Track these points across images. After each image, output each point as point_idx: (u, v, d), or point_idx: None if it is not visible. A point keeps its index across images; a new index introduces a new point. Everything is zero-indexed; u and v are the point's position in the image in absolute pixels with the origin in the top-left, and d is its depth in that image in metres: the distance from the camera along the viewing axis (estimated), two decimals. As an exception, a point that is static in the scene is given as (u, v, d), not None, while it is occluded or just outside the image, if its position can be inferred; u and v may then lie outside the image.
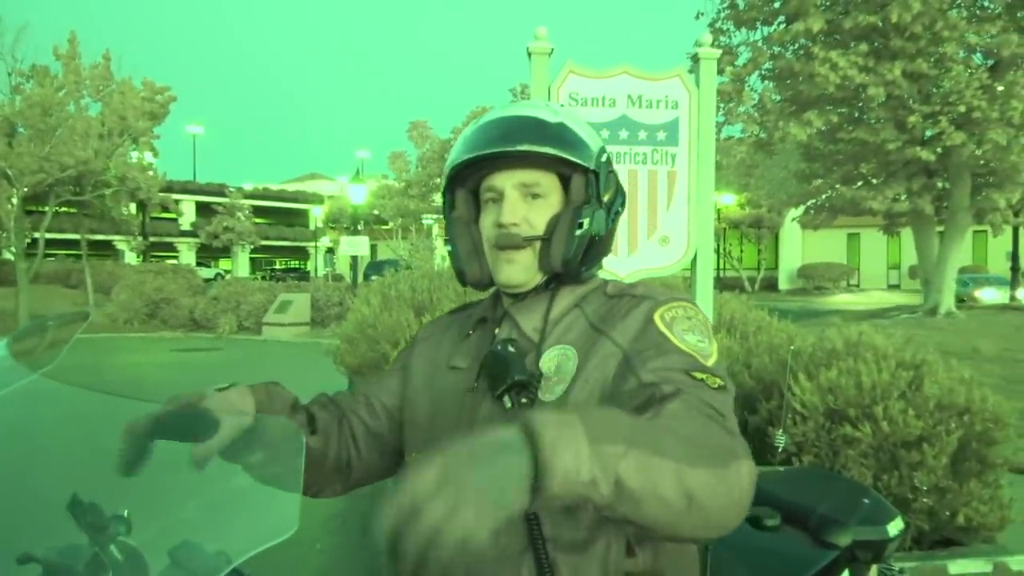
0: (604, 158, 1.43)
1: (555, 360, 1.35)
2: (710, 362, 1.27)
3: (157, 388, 11.76)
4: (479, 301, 1.59)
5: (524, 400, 1.30)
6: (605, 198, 1.42)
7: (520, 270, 1.40)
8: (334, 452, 1.47)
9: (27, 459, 1.26)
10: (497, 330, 1.46)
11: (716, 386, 1.23)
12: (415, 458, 1.45)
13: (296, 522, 1.17)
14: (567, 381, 1.32)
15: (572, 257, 1.37)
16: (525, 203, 1.39)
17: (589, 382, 1.30)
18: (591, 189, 1.39)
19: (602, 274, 1.52)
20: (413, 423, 1.50)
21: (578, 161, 1.37)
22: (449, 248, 1.49)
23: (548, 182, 1.39)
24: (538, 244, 1.39)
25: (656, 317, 1.32)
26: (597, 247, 1.42)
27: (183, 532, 1.20)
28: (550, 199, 1.39)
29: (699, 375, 1.23)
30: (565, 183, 1.40)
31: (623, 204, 1.49)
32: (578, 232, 1.37)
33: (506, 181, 1.38)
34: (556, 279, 1.42)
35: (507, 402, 1.31)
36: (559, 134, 1.37)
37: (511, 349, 1.34)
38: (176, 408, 1.11)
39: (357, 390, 1.61)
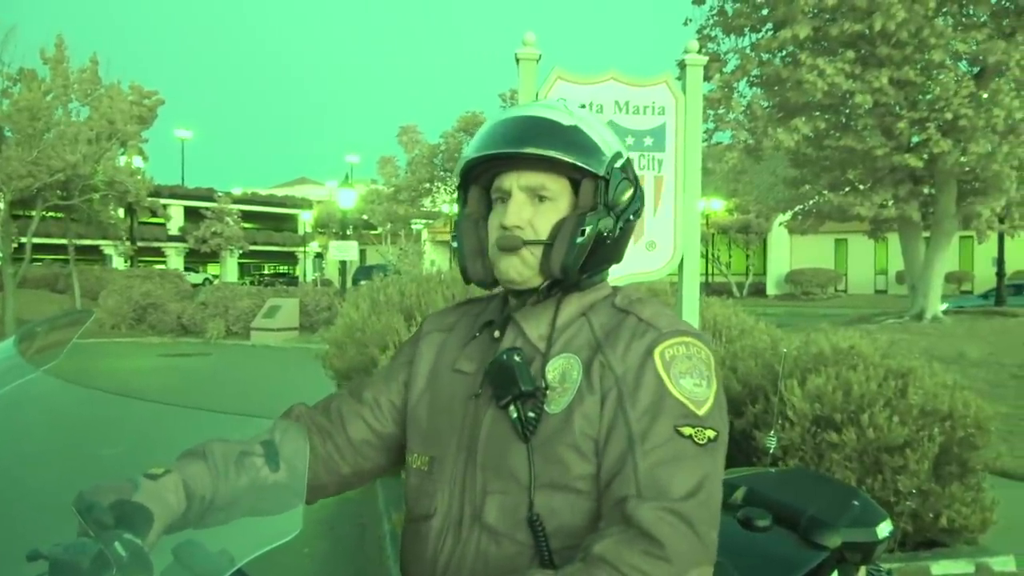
0: (619, 164, 1.41)
1: (560, 369, 1.36)
2: (704, 409, 1.29)
3: (147, 394, 11.72)
4: (485, 298, 1.59)
5: (531, 413, 1.32)
6: (618, 205, 1.40)
7: (520, 267, 1.38)
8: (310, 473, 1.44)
9: (33, 455, 1.28)
10: (496, 334, 1.46)
11: (704, 441, 1.27)
12: (415, 458, 1.47)
13: (300, 524, 1.19)
14: (572, 391, 1.33)
15: (572, 264, 1.36)
16: (532, 206, 1.38)
17: (591, 396, 1.32)
18: (600, 195, 1.38)
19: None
20: (413, 421, 1.51)
21: (585, 167, 1.36)
22: (455, 245, 1.49)
23: (557, 186, 1.38)
24: (540, 248, 1.38)
25: (656, 354, 1.32)
26: (602, 254, 1.40)
27: (187, 531, 1.22)
28: (558, 203, 1.39)
29: (687, 430, 1.26)
30: (576, 187, 1.39)
31: (637, 212, 1.46)
32: (579, 239, 1.36)
33: (514, 182, 1.38)
34: (557, 284, 1.41)
35: (512, 412, 1.33)
36: (571, 138, 1.36)
37: (516, 359, 1.35)
38: (108, 506, 1.10)
39: (360, 388, 1.60)
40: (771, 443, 3.34)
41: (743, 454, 4.41)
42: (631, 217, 1.44)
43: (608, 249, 1.41)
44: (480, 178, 1.46)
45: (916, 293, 21.87)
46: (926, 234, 22.20)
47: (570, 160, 1.34)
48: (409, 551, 1.46)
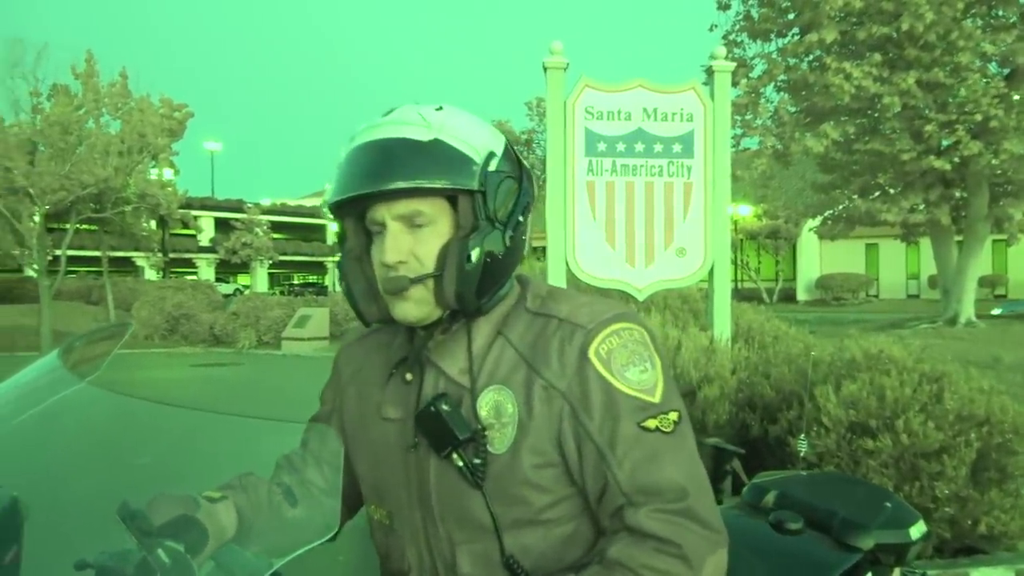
0: (494, 166, 1.28)
1: (492, 403, 1.28)
2: (657, 395, 1.25)
3: (183, 404, 11.86)
4: (392, 326, 1.43)
5: (476, 460, 1.26)
6: (500, 212, 1.28)
7: (414, 306, 1.28)
8: None
9: (81, 464, 1.31)
10: (409, 375, 1.36)
11: (670, 427, 1.24)
12: (375, 510, 1.43)
13: (336, 525, 1.20)
14: (512, 427, 1.26)
15: (466, 291, 1.26)
16: (410, 235, 1.26)
17: (537, 428, 1.26)
18: (479, 209, 1.26)
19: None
20: (359, 474, 1.45)
21: (456, 186, 1.24)
22: (343, 287, 1.37)
23: (432, 209, 1.26)
24: (431, 280, 1.27)
25: (592, 355, 1.25)
26: (498, 269, 1.29)
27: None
28: (438, 226, 1.27)
29: (651, 423, 1.23)
30: (454, 201, 1.27)
31: (527, 208, 1.34)
32: (468, 266, 1.25)
33: (386, 214, 1.26)
34: (460, 311, 1.31)
35: (456, 460, 1.26)
36: (435, 155, 1.23)
37: (444, 407, 1.27)
38: (172, 519, 1.13)
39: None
40: (802, 447, 3.33)
41: (778, 460, 4.39)
42: (520, 219, 1.32)
43: (503, 262, 1.30)
44: (352, 211, 1.32)
45: (949, 297, 21.63)
46: (958, 238, 21.98)
47: (439, 185, 1.23)
48: None
